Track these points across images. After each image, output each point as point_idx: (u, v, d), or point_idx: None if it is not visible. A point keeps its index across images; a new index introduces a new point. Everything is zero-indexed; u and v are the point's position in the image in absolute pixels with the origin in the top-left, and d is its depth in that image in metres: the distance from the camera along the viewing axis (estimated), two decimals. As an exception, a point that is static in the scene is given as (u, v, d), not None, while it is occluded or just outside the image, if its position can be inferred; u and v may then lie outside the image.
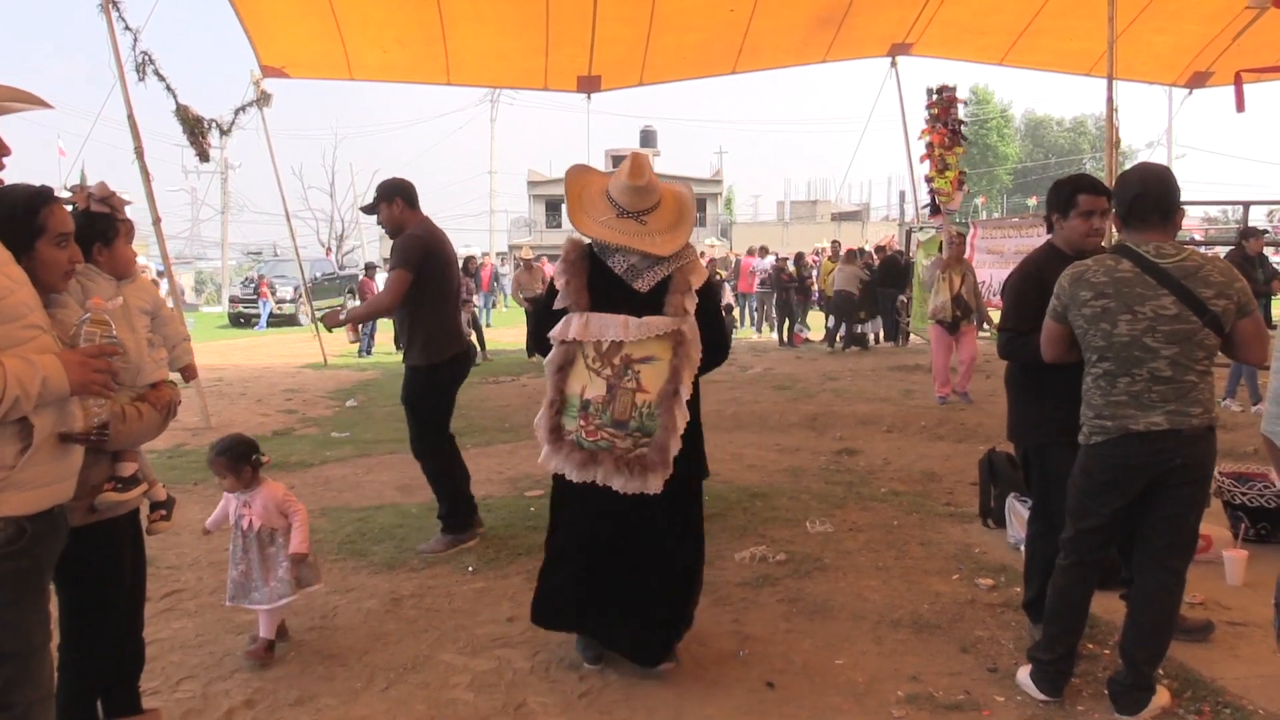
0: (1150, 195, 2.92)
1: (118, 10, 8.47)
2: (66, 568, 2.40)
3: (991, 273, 12.48)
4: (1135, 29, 10.96)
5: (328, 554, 4.68)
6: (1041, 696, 3.12)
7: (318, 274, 25.10)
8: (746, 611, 3.95)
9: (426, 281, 4.65)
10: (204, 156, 10.47)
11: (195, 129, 9.97)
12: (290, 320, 23.96)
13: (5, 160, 2.17)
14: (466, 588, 4.26)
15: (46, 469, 2.05)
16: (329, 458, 7.19)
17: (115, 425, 2.38)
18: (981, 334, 9.62)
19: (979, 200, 48.03)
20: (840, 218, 46.94)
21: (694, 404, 3.19)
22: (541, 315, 3.34)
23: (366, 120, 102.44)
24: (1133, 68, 11.95)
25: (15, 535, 2.00)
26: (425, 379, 4.78)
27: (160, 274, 14.02)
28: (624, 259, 3.21)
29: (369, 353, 15.46)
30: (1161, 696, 3.03)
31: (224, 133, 10.80)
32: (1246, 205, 15.69)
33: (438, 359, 4.74)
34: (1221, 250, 11.96)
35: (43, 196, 2.26)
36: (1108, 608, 3.59)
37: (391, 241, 4.87)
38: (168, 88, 9.19)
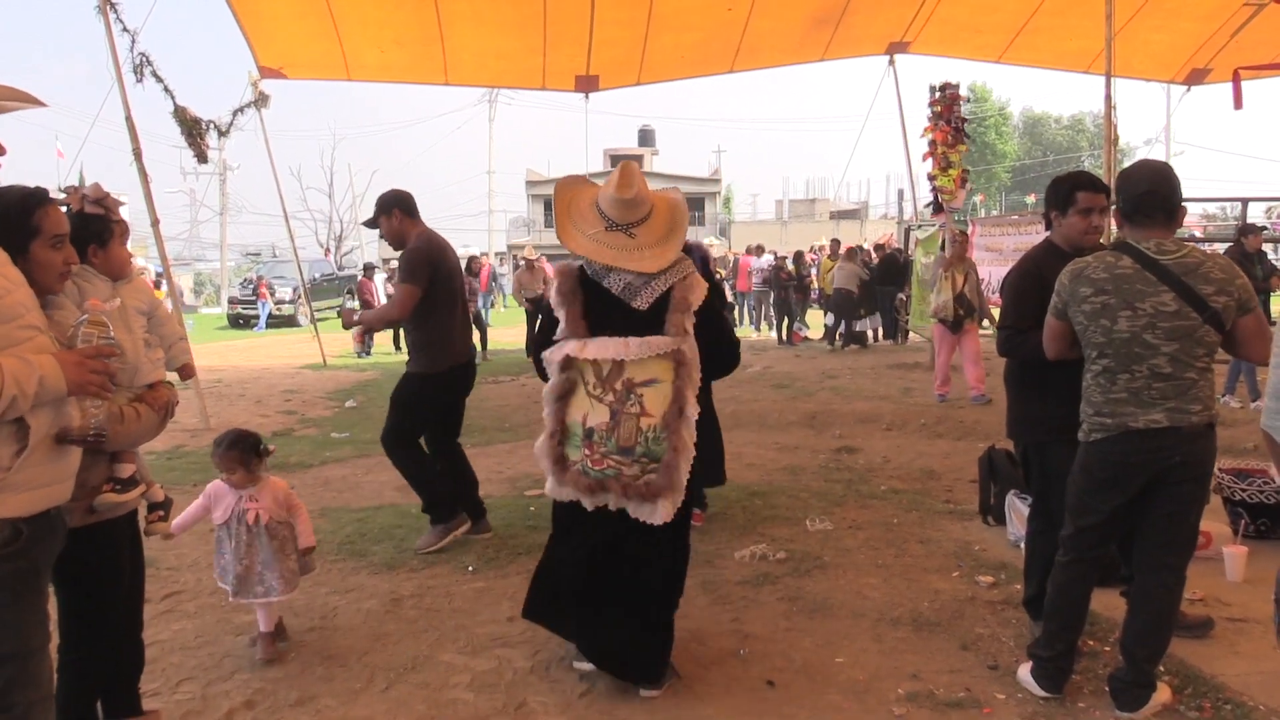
0: (1159, 193, 2.91)
1: (115, 11, 8.47)
2: (65, 569, 2.40)
3: (990, 270, 12.48)
4: (1133, 26, 10.96)
5: (328, 554, 4.68)
6: (1042, 693, 3.12)
7: (316, 275, 25.13)
8: (746, 610, 3.95)
9: (432, 294, 4.69)
10: (202, 158, 10.45)
11: (193, 130, 9.96)
12: (289, 321, 23.96)
13: (1, 160, 2.16)
14: (466, 587, 4.26)
15: (43, 470, 2.05)
16: (328, 458, 7.19)
17: (113, 426, 2.38)
18: (983, 331, 9.62)
19: (977, 198, 48.00)
20: (839, 216, 46.95)
21: (708, 413, 3.13)
22: (543, 339, 3.25)
23: (365, 121, 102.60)
24: (1131, 65, 11.96)
25: (11, 537, 2.00)
26: (418, 386, 4.83)
27: (159, 275, 14.01)
28: (619, 278, 3.12)
29: (368, 353, 15.46)
30: (1162, 693, 3.03)
31: (222, 134, 10.79)
32: (1245, 202, 15.68)
33: (435, 369, 4.78)
34: (1220, 247, 11.96)
35: (37, 198, 2.26)
36: (1108, 604, 3.59)
37: (392, 247, 4.94)
38: (166, 89, 9.19)
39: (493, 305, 26.50)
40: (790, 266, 16.69)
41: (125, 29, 8.56)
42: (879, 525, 5.15)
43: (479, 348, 13.41)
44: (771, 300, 17.26)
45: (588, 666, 3.34)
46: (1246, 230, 9.49)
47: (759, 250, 19.18)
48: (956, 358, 9.48)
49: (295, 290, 22.74)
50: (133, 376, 2.62)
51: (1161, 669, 3.11)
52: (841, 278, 14.84)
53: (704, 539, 4.79)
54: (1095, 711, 3.04)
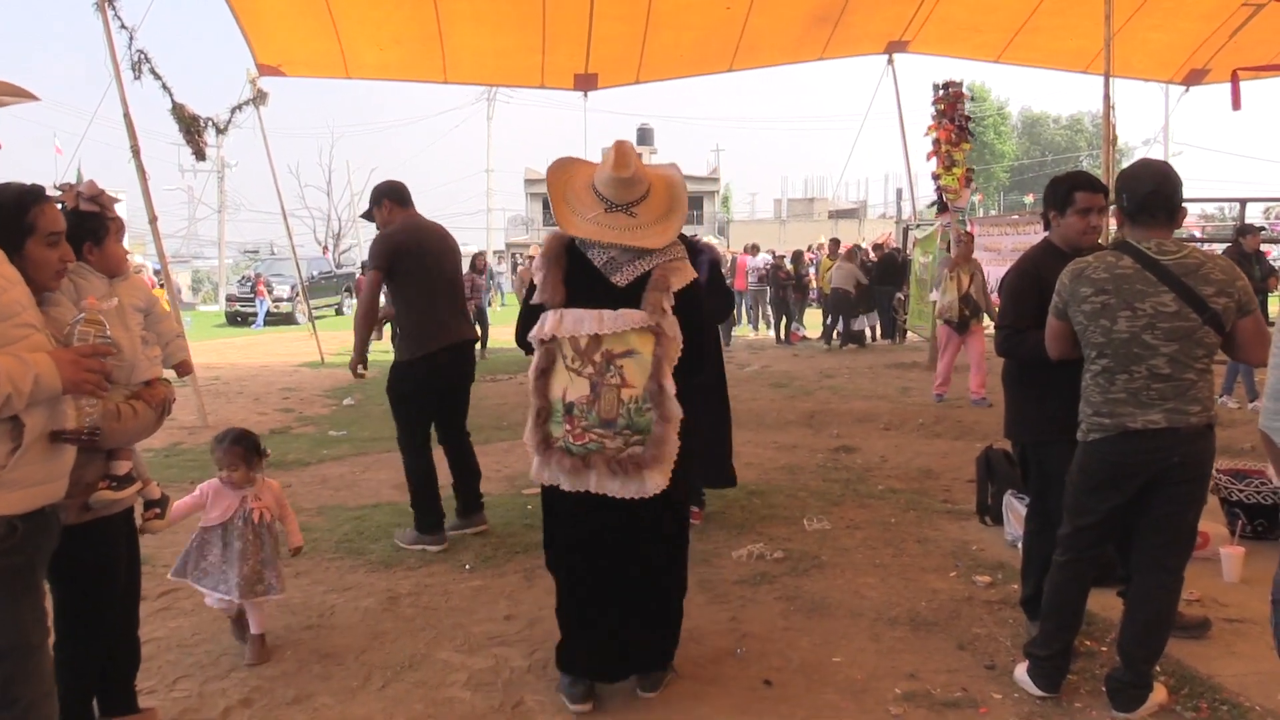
0: (1163, 193, 2.90)
1: (114, 9, 8.45)
2: (61, 566, 2.40)
3: (989, 270, 12.49)
4: (1132, 26, 10.96)
5: (325, 553, 4.68)
6: (1038, 693, 3.12)
7: (314, 272, 25.12)
8: (744, 609, 3.95)
9: (403, 278, 4.68)
10: (200, 155, 10.43)
11: (191, 127, 9.94)
12: (287, 319, 23.92)
13: (-3, 155, 2.16)
14: (464, 586, 4.26)
15: (37, 469, 2.04)
16: (326, 456, 7.18)
17: (109, 423, 2.37)
18: (988, 332, 9.63)
19: (976, 198, 48.01)
20: (837, 215, 46.93)
21: (722, 411, 3.04)
22: (525, 312, 3.22)
23: (363, 119, 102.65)
24: (1129, 65, 11.97)
25: (6, 534, 1.99)
26: (400, 373, 4.83)
27: (157, 273, 13.99)
28: (603, 252, 3.06)
29: (366, 352, 15.41)
30: (1159, 693, 3.03)
31: (220, 131, 10.78)
32: (1243, 202, 15.72)
33: (414, 355, 4.74)
34: (1218, 247, 11.98)
35: (33, 195, 2.25)
36: (1105, 604, 3.59)
37: None
38: (164, 86, 9.17)
39: (490, 304, 26.47)
40: (789, 266, 16.69)
41: (123, 26, 8.56)
42: (877, 525, 5.15)
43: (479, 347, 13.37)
44: (768, 299, 17.27)
45: (576, 708, 3.13)
46: (1244, 230, 9.51)
47: (754, 250, 19.20)
48: (960, 358, 9.47)
49: (293, 288, 22.69)
50: (130, 374, 2.62)
51: (1158, 669, 3.11)
52: (839, 278, 14.83)
53: (702, 538, 4.78)
54: (1092, 711, 3.04)
